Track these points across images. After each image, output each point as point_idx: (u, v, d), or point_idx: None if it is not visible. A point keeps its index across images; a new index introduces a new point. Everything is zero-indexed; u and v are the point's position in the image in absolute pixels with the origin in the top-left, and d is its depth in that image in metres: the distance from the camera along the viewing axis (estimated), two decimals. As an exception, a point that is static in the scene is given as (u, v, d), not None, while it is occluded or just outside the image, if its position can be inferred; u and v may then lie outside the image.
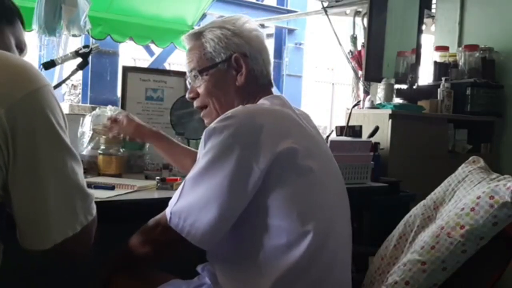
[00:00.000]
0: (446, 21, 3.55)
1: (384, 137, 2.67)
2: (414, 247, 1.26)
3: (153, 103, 2.18)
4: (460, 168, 1.46)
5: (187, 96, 1.32)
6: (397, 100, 2.98)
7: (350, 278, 1.18)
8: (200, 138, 1.12)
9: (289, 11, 8.46)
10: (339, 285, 1.14)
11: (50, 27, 3.12)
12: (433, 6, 3.68)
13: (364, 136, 2.48)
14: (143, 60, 8.29)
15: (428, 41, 3.71)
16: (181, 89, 2.17)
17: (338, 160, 1.27)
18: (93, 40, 4.24)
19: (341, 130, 2.49)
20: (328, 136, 2.31)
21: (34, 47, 3.59)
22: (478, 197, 1.17)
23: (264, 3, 9.28)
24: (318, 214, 1.09)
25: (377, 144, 2.43)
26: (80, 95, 7.35)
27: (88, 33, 3.60)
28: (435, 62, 3.33)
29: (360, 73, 3.33)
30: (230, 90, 1.23)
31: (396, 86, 3.01)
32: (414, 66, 3.17)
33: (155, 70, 2.77)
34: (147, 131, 1.73)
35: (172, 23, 4.54)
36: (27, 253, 0.93)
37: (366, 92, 3.26)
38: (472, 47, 3.20)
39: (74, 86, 7.70)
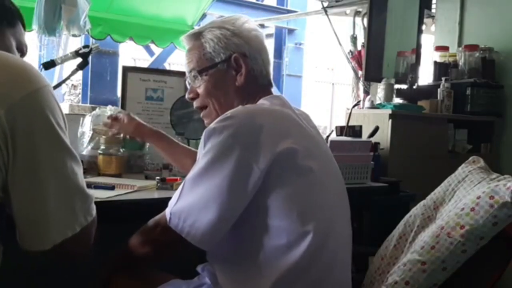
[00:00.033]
0: (446, 21, 3.55)
1: (384, 137, 2.67)
2: (414, 247, 1.26)
3: (153, 103, 2.18)
4: (460, 168, 1.46)
5: (186, 96, 1.32)
6: (397, 100, 2.98)
7: (350, 278, 1.18)
8: (200, 138, 1.12)
9: (289, 11, 8.46)
10: (339, 285, 1.14)
11: (50, 27, 3.13)
12: (433, 6, 3.68)
13: (364, 136, 2.48)
14: (143, 60, 8.29)
15: (428, 41, 3.71)
16: (181, 89, 2.17)
17: (338, 160, 1.27)
18: (93, 40, 4.24)
19: (341, 130, 2.49)
20: (328, 136, 2.31)
21: (34, 47, 3.59)
22: (478, 197, 1.17)
23: (264, 3, 9.27)
24: (318, 214, 1.09)
25: (377, 144, 2.43)
26: (80, 95, 7.35)
27: (88, 33, 3.61)
28: (435, 62, 3.33)
29: (360, 73, 3.33)
30: (229, 90, 1.23)
31: (396, 86, 3.01)
32: (414, 66, 3.17)
33: (155, 70, 2.77)
34: (147, 130, 1.73)
35: (172, 23, 4.54)
36: (26, 253, 0.93)
37: (366, 92, 3.26)
38: (472, 47, 3.20)
39: (74, 86, 7.70)
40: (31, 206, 0.90)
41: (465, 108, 3.11)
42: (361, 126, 2.52)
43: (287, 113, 1.16)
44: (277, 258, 1.06)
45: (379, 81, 3.00)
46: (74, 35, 3.22)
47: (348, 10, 4.17)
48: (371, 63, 3.05)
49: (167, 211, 1.10)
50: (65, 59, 1.78)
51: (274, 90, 1.30)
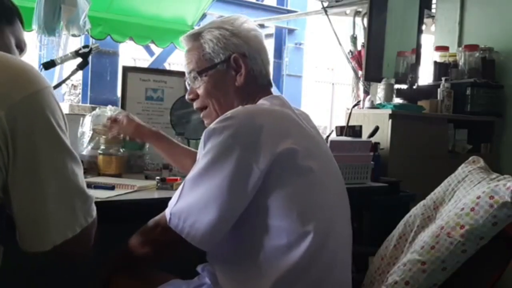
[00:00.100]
0: (446, 21, 3.55)
1: (384, 137, 2.67)
2: (414, 247, 1.26)
3: (153, 103, 2.18)
4: (460, 168, 1.46)
5: (186, 97, 1.32)
6: (397, 100, 2.98)
7: (350, 278, 1.18)
8: (200, 138, 1.12)
9: (289, 11, 8.45)
10: (339, 285, 1.14)
11: (49, 27, 3.13)
12: (433, 6, 3.68)
13: (364, 136, 2.48)
14: (143, 60, 8.29)
15: (428, 41, 3.71)
16: (181, 89, 2.17)
17: (338, 160, 1.27)
18: (93, 40, 4.25)
19: (341, 130, 2.49)
20: (328, 136, 2.31)
21: (34, 47, 3.58)
22: (478, 197, 1.17)
23: (264, 3, 9.27)
24: (318, 214, 1.09)
25: (377, 144, 2.43)
26: (80, 95, 7.35)
27: (88, 33, 3.60)
28: (435, 62, 3.33)
29: (360, 73, 3.33)
30: (229, 90, 1.23)
31: (396, 86, 3.01)
32: (414, 66, 3.17)
33: (155, 70, 2.77)
34: (147, 131, 1.73)
35: (172, 23, 4.54)
36: (26, 254, 0.93)
37: (366, 92, 3.26)
38: (472, 47, 3.20)
39: (74, 86, 7.70)
40: (31, 207, 0.90)
41: (465, 108, 3.11)
42: (361, 126, 2.52)
43: (287, 113, 1.16)
44: (277, 258, 1.06)
45: (379, 81, 3.00)
46: (74, 35, 3.22)
47: (348, 10, 4.17)
48: (371, 63, 3.05)
49: (167, 211, 1.10)
50: (65, 59, 1.78)
51: (274, 90, 1.30)
